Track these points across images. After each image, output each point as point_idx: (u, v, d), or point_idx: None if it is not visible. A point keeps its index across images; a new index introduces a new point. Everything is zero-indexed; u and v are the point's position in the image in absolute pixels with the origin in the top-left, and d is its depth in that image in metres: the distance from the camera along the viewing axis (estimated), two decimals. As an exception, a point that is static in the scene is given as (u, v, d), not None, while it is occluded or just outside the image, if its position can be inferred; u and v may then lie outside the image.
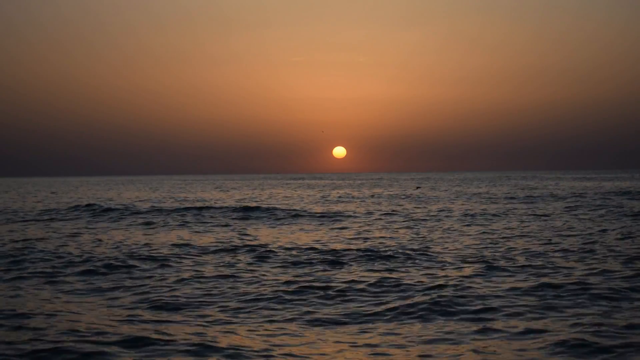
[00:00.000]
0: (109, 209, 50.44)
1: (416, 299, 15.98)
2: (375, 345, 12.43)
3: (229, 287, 18.05)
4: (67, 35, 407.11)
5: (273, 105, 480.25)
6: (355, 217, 43.08)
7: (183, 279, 19.28)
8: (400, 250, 25.05)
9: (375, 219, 41.42)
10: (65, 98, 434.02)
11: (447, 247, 26.20)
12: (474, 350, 12.02)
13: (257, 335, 13.16)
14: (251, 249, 26.16)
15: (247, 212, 47.27)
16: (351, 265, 22.02)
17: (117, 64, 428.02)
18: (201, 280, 19.19)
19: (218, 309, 15.42)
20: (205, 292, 17.36)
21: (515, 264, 21.35)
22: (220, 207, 51.85)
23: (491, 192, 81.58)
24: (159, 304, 15.86)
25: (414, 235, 31.15)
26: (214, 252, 25.87)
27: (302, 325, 13.97)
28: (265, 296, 16.73)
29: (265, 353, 11.98)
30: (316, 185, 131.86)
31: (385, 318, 14.43)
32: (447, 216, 42.61)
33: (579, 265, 20.86)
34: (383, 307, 15.30)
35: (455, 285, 17.57)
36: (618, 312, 14.61)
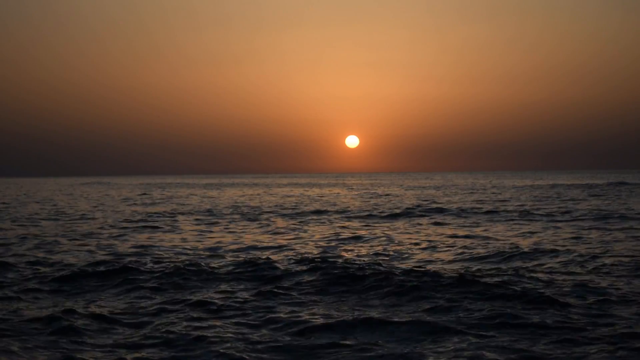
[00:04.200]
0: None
1: None
2: None
3: None
4: (82, 34, 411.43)
5: (295, 104, 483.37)
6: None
7: None
8: None
9: None
10: (79, 97, 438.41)
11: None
12: None
13: None
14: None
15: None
16: None
17: (131, 65, 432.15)
18: None
19: None
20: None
21: None
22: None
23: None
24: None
25: None
26: None
27: None
28: None
29: None
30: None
31: None
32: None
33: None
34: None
35: None
36: None
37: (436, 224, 39.53)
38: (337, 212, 51.13)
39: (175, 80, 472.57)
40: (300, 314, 15.14)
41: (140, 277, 19.72)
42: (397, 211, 49.86)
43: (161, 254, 26.03)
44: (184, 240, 32.19)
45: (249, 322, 14.59)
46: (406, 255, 25.65)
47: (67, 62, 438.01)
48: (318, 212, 51.43)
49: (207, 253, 26.56)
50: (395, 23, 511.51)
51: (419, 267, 21.42)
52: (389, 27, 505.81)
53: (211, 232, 36.53)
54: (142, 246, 29.42)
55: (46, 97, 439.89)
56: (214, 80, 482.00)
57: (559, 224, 37.51)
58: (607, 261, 22.58)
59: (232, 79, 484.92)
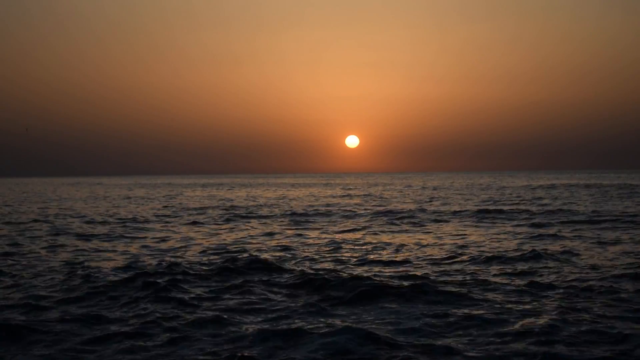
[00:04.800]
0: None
1: None
2: None
3: None
4: (82, 34, 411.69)
5: (296, 105, 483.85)
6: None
7: None
8: None
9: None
10: (79, 97, 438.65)
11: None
12: None
13: None
14: None
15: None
16: None
17: (131, 65, 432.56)
18: None
19: None
20: None
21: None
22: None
23: None
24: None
25: None
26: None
27: None
28: None
29: None
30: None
31: None
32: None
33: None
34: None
35: None
36: None
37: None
38: (323, 213, 52.05)
39: (175, 80, 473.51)
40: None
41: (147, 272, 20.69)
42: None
43: (162, 253, 26.98)
44: (184, 239, 33.12)
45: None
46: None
47: (67, 62, 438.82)
48: (298, 213, 52.41)
49: (210, 251, 27.46)
50: (396, 23, 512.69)
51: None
52: (389, 27, 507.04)
53: (210, 232, 37.45)
54: (143, 245, 30.38)
55: (46, 97, 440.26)
56: (214, 80, 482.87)
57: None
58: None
59: (232, 80, 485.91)
